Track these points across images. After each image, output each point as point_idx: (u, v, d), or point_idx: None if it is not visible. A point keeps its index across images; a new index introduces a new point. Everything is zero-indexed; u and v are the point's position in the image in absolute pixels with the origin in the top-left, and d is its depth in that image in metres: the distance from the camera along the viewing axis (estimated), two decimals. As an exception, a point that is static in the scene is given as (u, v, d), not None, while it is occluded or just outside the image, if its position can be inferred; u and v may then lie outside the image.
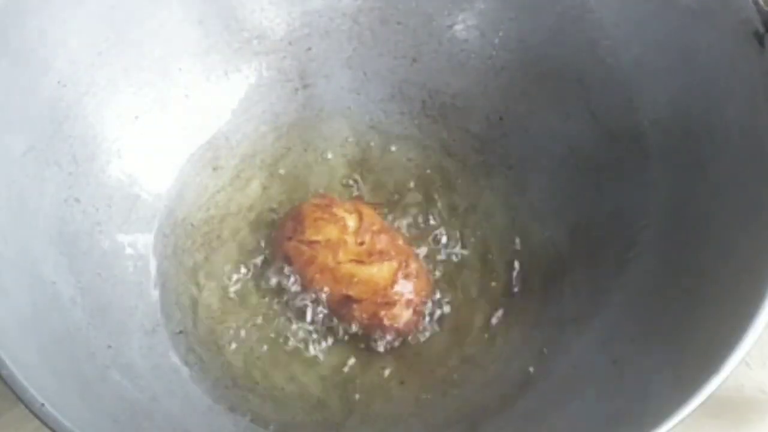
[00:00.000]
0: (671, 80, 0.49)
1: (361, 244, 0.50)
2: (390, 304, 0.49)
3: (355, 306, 0.49)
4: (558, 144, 0.54)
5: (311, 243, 0.49)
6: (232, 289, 0.52)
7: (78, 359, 0.44)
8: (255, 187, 0.55)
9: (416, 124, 0.56)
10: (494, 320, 0.51)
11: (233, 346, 0.51)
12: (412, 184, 0.55)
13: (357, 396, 0.50)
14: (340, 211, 0.51)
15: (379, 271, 0.49)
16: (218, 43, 0.54)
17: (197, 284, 0.52)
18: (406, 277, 0.49)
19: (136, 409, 0.45)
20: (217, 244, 0.54)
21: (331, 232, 0.50)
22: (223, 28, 0.52)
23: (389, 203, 0.55)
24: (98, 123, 0.51)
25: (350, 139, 0.57)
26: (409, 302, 0.49)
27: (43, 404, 0.37)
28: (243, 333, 0.51)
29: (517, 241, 0.53)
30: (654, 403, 0.38)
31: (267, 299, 0.52)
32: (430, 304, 0.51)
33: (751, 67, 0.44)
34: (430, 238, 0.53)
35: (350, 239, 0.49)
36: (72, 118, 0.50)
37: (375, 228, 0.50)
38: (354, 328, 0.50)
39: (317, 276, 0.49)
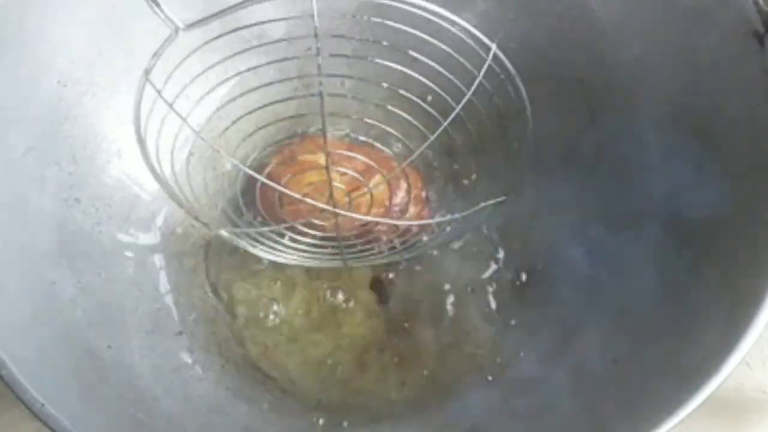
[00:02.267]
0: (671, 80, 0.49)
1: (344, 174, 0.50)
2: (401, 210, 0.50)
3: (376, 228, 0.50)
4: (558, 144, 0.54)
5: (302, 198, 0.48)
6: (230, 289, 0.52)
7: (78, 359, 0.44)
8: (255, 188, 0.55)
9: (416, 125, 0.56)
10: (494, 320, 0.51)
11: (233, 346, 0.51)
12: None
13: (357, 397, 0.50)
14: (306, 157, 0.51)
15: (374, 189, 0.49)
16: (218, 43, 0.54)
17: (197, 284, 0.53)
18: (397, 179, 0.51)
19: (136, 410, 0.45)
20: (217, 245, 0.54)
21: (311, 177, 0.49)
22: (222, 28, 0.52)
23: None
24: (98, 123, 0.52)
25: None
26: (414, 198, 0.51)
27: (43, 404, 0.37)
28: (243, 333, 0.51)
29: (518, 241, 0.53)
30: (654, 403, 0.38)
31: (266, 301, 0.52)
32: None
33: (751, 67, 0.44)
34: (432, 236, 0.54)
35: (332, 175, 0.49)
36: (72, 118, 0.50)
37: (346, 154, 0.51)
38: (385, 249, 0.51)
39: (326, 223, 0.48)
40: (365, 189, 0.50)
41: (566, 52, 0.52)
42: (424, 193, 0.54)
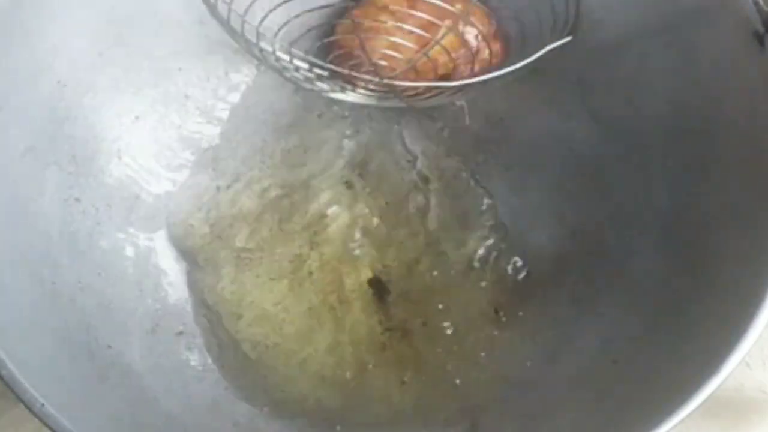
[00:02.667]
0: (671, 80, 0.49)
1: (411, 33, 0.50)
2: (480, 51, 0.51)
3: (459, 69, 0.50)
4: (558, 144, 0.54)
5: (348, 72, 0.49)
6: (230, 289, 0.52)
7: (78, 359, 0.44)
8: (255, 188, 0.55)
9: (416, 125, 0.56)
10: (494, 320, 0.51)
11: (233, 346, 0.51)
12: (412, 185, 0.55)
13: (357, 396, 0.50)
14: (370, 22, 0.51)
15: (445, 38, 0.49)
16: (218, 43, 0.54)
17: (197, 284, 0.53)
18: (467, 24, 0.50)
19: (136, 409, 0.45)
20: (217, 245, 0.54)
21: (383, 42, 0.50)
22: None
23: (388, 205, 0.55)
24: (98, 123, 0.52)
25: (350, 140, 0.57)
26: (486, 37, 0.51)
27: (43, 404, 0.37)
28: (243, 333, 0.51)
29: (518, 241, 0.53)
30: (654, 403, 0.38)
31: (266, 301, 0.52)
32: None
33: (751, 67, 0.44)
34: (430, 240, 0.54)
35: (402, 36, 0.49)
36: (72, 118, 0.50)
37: (407, 9, 0.50)
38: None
39: (411, 77, 0.49)
40: (433, 42, 0.49)
41: (566, 51, 0.52)
42: (496, 29, 0.53)
